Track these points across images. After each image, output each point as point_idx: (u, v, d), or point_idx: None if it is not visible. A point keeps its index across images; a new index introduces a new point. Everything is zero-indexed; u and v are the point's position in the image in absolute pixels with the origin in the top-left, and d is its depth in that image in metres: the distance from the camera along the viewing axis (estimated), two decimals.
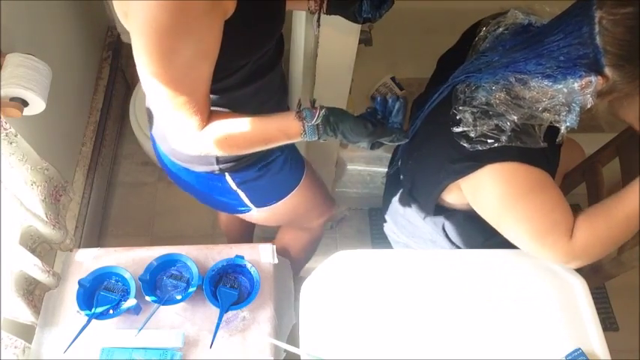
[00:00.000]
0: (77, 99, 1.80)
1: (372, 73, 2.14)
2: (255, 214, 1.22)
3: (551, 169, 1.10)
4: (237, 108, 0.93)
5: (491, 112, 0.91)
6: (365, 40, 1.53)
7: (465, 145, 0.92)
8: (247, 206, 1.18)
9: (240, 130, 0.84)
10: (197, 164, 1.05)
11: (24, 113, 1.16)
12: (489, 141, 0.90)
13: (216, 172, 1.06)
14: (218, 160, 1.03)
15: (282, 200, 1.20)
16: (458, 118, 0.93)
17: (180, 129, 0.82)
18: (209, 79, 0.79)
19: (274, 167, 1.13)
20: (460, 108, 0.94)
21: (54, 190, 1.16)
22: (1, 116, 0.99)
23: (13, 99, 1.13)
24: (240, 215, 1.24)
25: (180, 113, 0.79)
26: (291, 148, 1.19)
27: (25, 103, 1.15)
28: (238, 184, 1.10)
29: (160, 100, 0.78)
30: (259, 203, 1.18)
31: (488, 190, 0.94)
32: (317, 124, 0.83)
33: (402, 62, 2.22)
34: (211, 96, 0.89)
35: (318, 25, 1.01)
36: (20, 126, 1.29)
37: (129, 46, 2.23)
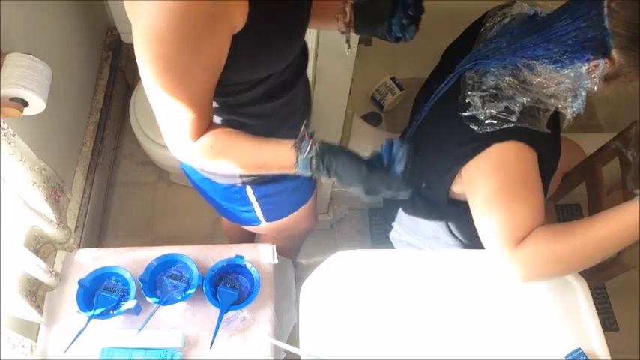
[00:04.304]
0: (77, 99, 1.80)
1: (372, 73, 2.14)
2: (262, 227, 1.22)
3: (555, 157, 1.09)
4: (260, 121, 0.91)
5: (500, 95, 0.92)
6: (365, 40, 1.53)
7: (475, 127, 0.92)
8: (258, 220, 1.18)
9: (234, 149, 0.82)
10: (219, 176, 1.04)
11: (24, 113, 1.16)
12: (498, 122, 0.91)
13: (238, 184, 1.05)
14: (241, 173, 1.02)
15: (290, 215, 1.21)
16: (467, 101, 0.94)
17: (173, 134, 0.80)
18: (209, 90, 0.77)
19: (294, 183, 1.11)
20: (469, 92, 0.94)
21: (52, 190, 1.16)
22: (0, 116, 0.99)
23: (13, 99, 1.13)
24: (247, 227, 1.24)
25: (174, 119, 0.77)
26: None
27: (25, 103, 1.15)
28: (258, 198, 1.09)
29: (155, 103, 0.77)
30: (271, 218, 1.18)
31: (487, 168, 0.93)
32: (310, 159, 0.78)
33: (402, 62, 2.22)
34: (221, 108, 0.87)
35: (349, 47, 0.96)
36: (20, 126, 1.29)
37: (129, 46, 2.25)
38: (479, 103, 0.92)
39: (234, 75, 0.79)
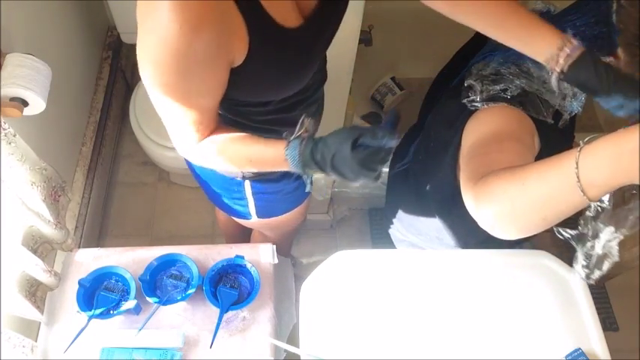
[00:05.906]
0: (77, 99, 1.80)
1: (372, 73, 2.14)
2: (253, 222, 1.24)
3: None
4: (270, 131, 0.92)
5: (499, 80, 0.91)
6: (365, 40, 1.53)
7: (467, 104, 0.93)
8: (250, 215, 1.19)
9: (232, 146, 0.81)
10: None
11: (24, 113, 1.16)
12: (492, 100, 0.90)
13: (238, 177, 1.06)
14: None
15: (283, 215, 1.22)
16: (466, 85, 0.93)
17: (176, 139, 0.82)
18: (209, 111, 0.78)
19: (291, 187, 1.13)
20: (471, 79, 0.95)
21: (52, 190, 1.16)
22: (1, 116, 0.99)
23: (13, 99, 1.13)
24: (240, 220, 1.26)
25: (175, 128, 0.79)
26: None
27: (25, 103, 1.15)
28: (254, 193, 1.11)
29: (158, 111, 0.77)
30: (262, 215, 1.19)
31: (473, 125, 0.91)
32: (301, 140, 0.74)
33: (402, 62, 2.22)
34: (231, 111, 0.88)
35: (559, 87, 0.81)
36: (20, 126, 1.29)
37: (129, 46, 2.25)
38: (478, 88, 0.92)
39: (236, 96, 0.80)
